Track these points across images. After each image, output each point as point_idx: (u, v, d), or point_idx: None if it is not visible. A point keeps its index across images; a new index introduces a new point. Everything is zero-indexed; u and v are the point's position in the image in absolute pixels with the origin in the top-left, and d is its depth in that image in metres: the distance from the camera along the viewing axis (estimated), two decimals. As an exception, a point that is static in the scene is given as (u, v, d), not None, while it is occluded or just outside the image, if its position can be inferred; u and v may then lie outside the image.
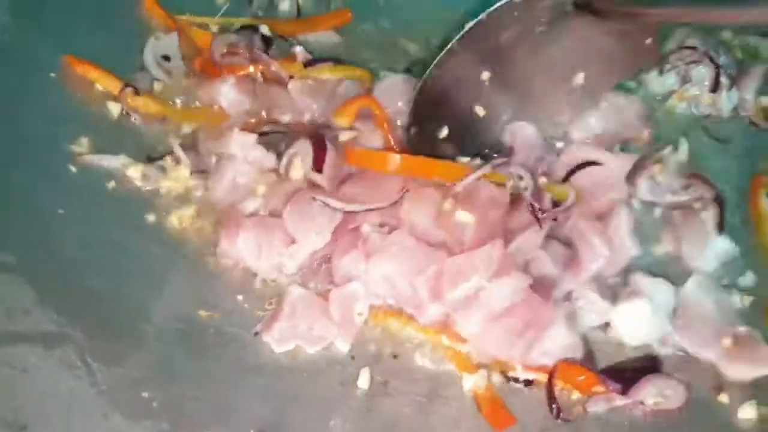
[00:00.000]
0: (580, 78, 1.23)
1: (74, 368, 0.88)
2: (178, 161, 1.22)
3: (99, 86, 1.28)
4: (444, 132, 1.21)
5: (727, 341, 1.09)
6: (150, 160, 1.23)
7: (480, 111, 1.22)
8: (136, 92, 1.26)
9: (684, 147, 1.29)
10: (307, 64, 1.28)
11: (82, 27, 1.29)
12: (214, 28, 1.35)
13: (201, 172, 1.22)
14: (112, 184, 1.19)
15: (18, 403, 0.80)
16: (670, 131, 1.33)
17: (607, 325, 1.11)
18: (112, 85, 1.27)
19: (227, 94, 1.25)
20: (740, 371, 1.08)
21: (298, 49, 1.31)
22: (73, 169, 1.19)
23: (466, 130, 1.22)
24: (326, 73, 1.27)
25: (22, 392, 0.82)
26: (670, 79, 1.44)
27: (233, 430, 0.93)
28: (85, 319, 0.96)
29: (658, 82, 1.44)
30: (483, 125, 1.23)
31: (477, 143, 1.23)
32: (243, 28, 1.33)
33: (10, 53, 1.24)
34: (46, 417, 0.81)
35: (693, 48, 1.42)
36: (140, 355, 0.97)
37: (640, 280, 1.12)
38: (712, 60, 1.41)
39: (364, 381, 1.04)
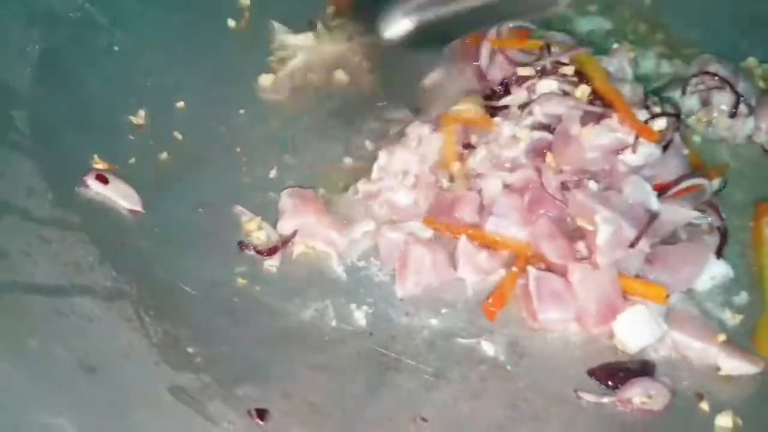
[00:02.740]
0: None
1: (131, 321, 1.00)
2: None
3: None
4: None
5: (722, 336, 1.17)
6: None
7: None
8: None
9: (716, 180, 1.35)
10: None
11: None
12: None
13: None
14: (164, 155, 1.30)
15: (87, 347, 0.92)
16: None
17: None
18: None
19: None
20: (737, 365, 1.15)
21: None
22: (131, 137, 1.30)
23: None
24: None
25: (89, 339, 0.93)
26: (692, 101, 1.51)
27: (263, 390, 1.04)
28: (138, 279, 1.07)
29: (680, 102, 1.52)
30: None
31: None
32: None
33: (77, 29, 1.34)
34: (109, 362, 0.92)
35: (714, 74, 1.49)
36: (185, 315, 1.08)
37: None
38: (732, 88, 1.48)
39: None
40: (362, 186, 1.30)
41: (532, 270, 1.20)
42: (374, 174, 1.30)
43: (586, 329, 1.18)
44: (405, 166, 1.29)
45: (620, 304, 1.18)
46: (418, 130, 1.33)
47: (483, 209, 1.28)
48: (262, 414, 0.99)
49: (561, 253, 1.21)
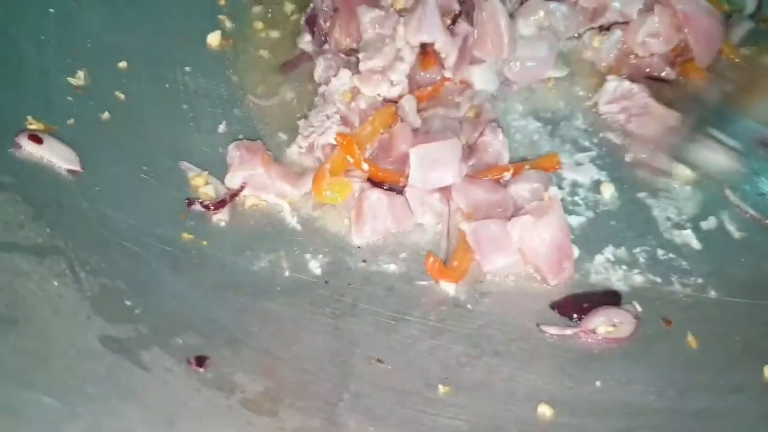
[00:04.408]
0: None
1: (63, 276, 0.96)
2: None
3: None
4: None
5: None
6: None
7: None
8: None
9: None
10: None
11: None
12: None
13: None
14: (106, 115, 1.26)
15: (11, 300, 0.88)
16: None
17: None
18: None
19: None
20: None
21: None
22: (70, 98, 1.26)
23: None
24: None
25: (14, 292, 0.90)
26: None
27: (207, 339, 1.00)
28: (75, 236, 1.03)
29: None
30: None
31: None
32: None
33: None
34: (34, 315, 0.89)
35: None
36: (125, 270, 1.04)
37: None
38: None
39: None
40: (300, 141, 1.27)
41: (466, 225, 1.16)
42: (302, 130, 1.27)
43: (545, 282, 1.15)
44: (325, 112, 1.26)
45: (571, 249, 1.15)
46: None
47: (416, 132, 1.25)
48: (201, 361, 0.96)
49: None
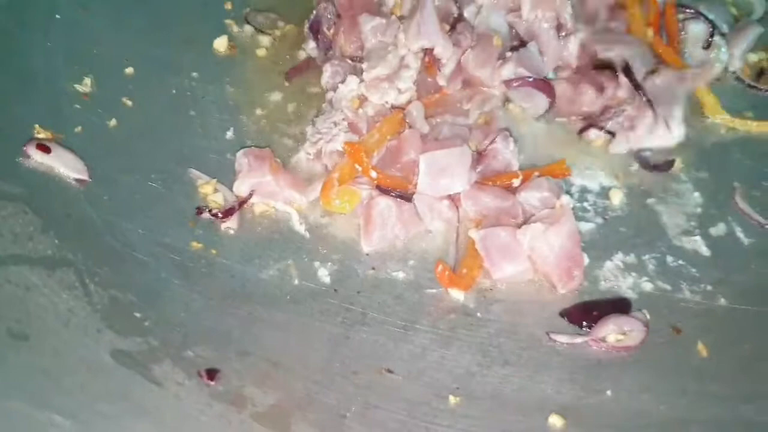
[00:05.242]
0: None
1: (73, 289, 0.96)
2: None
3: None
4: None
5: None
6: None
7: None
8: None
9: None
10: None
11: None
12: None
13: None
14: (113, 122, 1.26)
15: (21, 316, 0.88)
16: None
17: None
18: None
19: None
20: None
21: None
22: (78, 106, 1.25)
23: None
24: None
25: (24, 307, 0.90)
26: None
27: (217, 350, 1.00)
28: (84, 246, 1.03)
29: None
30: None
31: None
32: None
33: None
34: (45, 330, 0.89)
35: (686, 6, 1.44)
36: (135, 281, 1.04)
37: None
38: (706, 19, 1.42)
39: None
40: (307, 148, 1.26)
41: (475, 232, 1.16)
42: (309, 137, 1.27)
43: (554, 289, 1.15)
44: (333, 119, 1.25)
45: (581, 257, 1.14)
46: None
47: (425, 137, 1.25)
48: (212, 374, 0.96)
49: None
